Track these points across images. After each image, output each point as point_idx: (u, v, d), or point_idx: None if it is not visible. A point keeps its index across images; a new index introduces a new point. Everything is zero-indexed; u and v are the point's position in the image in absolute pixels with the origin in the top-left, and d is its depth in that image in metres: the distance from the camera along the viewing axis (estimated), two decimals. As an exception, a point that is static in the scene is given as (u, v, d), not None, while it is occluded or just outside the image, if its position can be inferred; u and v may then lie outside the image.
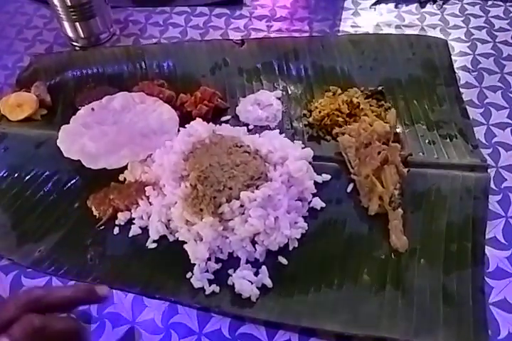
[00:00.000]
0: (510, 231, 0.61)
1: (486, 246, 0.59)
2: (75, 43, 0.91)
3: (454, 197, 0.63)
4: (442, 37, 0.87)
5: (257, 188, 0.60)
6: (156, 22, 0.96)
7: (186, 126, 0.70)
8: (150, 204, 0.64)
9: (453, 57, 0.82)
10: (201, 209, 0.59)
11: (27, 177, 0.70)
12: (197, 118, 0.71)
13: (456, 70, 0.80)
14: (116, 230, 0.64)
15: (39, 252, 0.62)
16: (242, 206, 0.59)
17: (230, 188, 0.60)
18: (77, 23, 0.87)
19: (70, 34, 0.89)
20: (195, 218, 0.59)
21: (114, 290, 0.58)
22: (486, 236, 0.60)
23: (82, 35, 0.89)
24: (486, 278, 0.56)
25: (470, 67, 0.82)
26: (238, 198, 0.59)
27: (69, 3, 0.83)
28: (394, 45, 0.82)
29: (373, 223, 0.62)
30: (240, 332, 0.54)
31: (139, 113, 0.74)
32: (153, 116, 0.73)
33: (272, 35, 0.92)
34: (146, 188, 0.64)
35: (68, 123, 0.74)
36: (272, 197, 0.60)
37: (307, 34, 0.91)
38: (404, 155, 0.66)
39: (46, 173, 0.70)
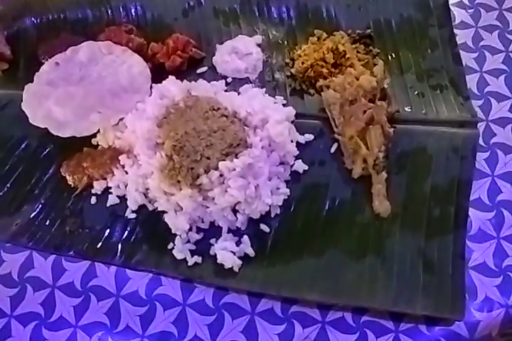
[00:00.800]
0: (496, 192, 0.60)
1: (469, 209, 0.58)
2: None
3: (440, 156, 0.61)
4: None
5: (236, 156, 0.58)
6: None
7: (158, 84, 0.65)
8: (126, 173, 0.61)
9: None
10: (179, 181, 0.57)
11: (-6, 144, 0.66)
12: (170, 76, 0.65)
13: (451, 7, 0.73)
14: (93, 199, 0.62)
15: (16, 226, 0.61)
16: (221, 175, 0.57)
17: (208, 158, 0.57)
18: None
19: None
20: (174, 189, 0.57)
21: (96, 263, 0.58)
22: (470, 198, 0.59)
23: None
24: (467, 242, 0.57)
25: (466, 2, 0.75)
26: (217, 168, 0.57)
27: None
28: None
29: (356, 186, 0.61)
30: (224, 302, 0.56)
31: (107, 66, 0.68)
32: (123, 70, 0.68)
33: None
34: (120, 157, 0.61)
35: (32, 77, 0.68)
36: (253, 165, 0.57)
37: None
38: (391, 112, 0.62)
39: (14, 139, 0.66)
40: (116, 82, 0.67)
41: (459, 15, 0.74)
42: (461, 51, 0.69)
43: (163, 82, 0.65)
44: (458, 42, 0.70)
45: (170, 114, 0.61)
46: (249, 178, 0.57)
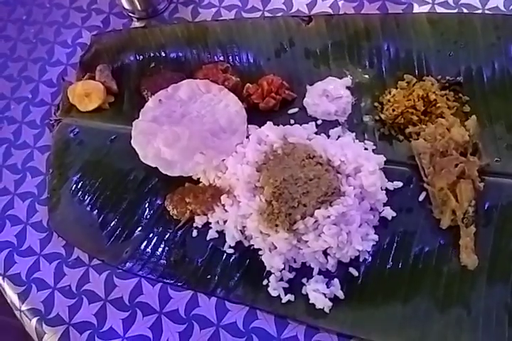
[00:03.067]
0: None
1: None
2: (131, 15, 0.87)
3: (528, 213, 0.63)
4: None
5: (330, 204, 0.62)
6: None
7: (257, 129, 0.69)
8: (225, 211, 0.66)
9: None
10: (276, 225, 0.62)
11: (105, 175, 0.73)
12: (268, 122, 0.70)
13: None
14: (194, 233, 0.68)
15: (126, 253, 0.67)
16: (316, 221, 0.61)
17: (305, 205, 0.61)
18: (134, -4, 0.83)
19: (127, 6, 0.85)
20: (271, 231, 0.62)
21: (198, 293, 0.64)
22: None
23: (139, 8, 0.85)
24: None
25: (560, 49, 0.75)
26: (312, 215, 0.61)
27: (125, -22, 0.78)
28: (477, 27, 0.75)
29: (444, 236, 0.63)
30: (315, 340, 0.60)
31: (205, 104, 0.73)
32: (220, 109, 0.73)
33: (341, 2, 0.85)
34: (221, 197, 0.66)
35: (136, 111, 0.74)
36: (346, 213, 0.61)
37: (380, 2, 0.83)
38: (481, 166, 0.65)
39: (123, 170, 0.73)
40: (215, 121, 0.72)
41: (551, 62, 0.74)
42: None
43: (262, 128, 0.69)
44: (549, 92, 0.71)
45: (269, 161, 0.65)
46: (341, 225, 0.61)
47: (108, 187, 0.72)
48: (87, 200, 0.72)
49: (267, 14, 0.85)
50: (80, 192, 0.72)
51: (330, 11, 0.84)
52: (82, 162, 0.75)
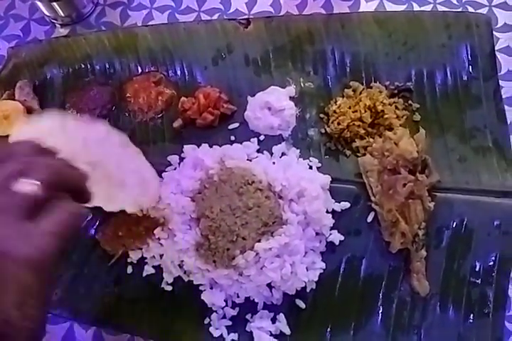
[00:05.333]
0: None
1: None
2: (54, 21, 0.79)
3: (481, 231, 0.59)
4: (485, 1, 0.74)
5: (272, 235, 0.57)
6: (143, -18, 0.81)
7: (191, 152, 0.64)
8: (161, 244, 0.61)
9: (496, 34, 0.70)
10: (214, 261, 0.57)
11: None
12: (202, 145, 0.64)
13: (497, 53, 0.69)
14: (129, 269, 0.62)
15: (55, 295, 0.62)
16: (257, 254, 0.57)
17: (244, 238, 0.56)
18: (54, 3, 0.74)
19: (48, 13, 0.77)
20: (209, 266, 0.58)
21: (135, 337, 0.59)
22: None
23: (62, 14, 0.77)
24: (506, 323, 0.56)
25: (513, 47, 0.70)
26: (252, 248, 0.56)
27: (39, -17, 0.70)
28: (427, 26, 0.69)
29: (394, 260, 0.60)
30: (262, 381, 0.57)
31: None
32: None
33: (282, 1, 0.78)
34: (155, 231, 0.60)
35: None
36: (289, 244, 0.57)
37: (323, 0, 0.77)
38: (431, 183, 0.60)
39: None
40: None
41: (505, 63, 0.69)
42: (506, 107, 0.66)
43: (197, 151, 0.63)
44: (503, 97, 0.66)
45: (204, 189, 0.60)
46: (285, 256, 0.57)
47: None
48: None
49: (203, 15, 0.78)
50: None
51: (271, 9, 0.78)
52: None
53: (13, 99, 0.71)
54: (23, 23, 0.80)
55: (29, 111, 0.71)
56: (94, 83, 0.72)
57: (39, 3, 0.74)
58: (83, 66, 0.73)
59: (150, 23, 0.78)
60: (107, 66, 0.73)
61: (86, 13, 0.79)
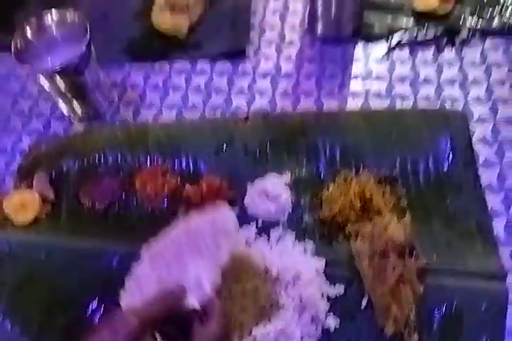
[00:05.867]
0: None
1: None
2: (72, 118, 0.88)
3: (470, 316, 0.61)
4: (460, 96, 0.82)
5: (269, 320, 0.59)
6: (155, 84, 0.91)
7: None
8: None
9: (472, 126, 0.77)
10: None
11: (39, 294, 0.70)
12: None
13: (474, 144, 0.75)
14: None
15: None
16: (254, 339, 0.59)
17: (241, 323, 0.59)
18: (74, 101, 0.83)
19: (67, 113, 0.86)
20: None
21: None
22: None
23: (80, 112, 0.86)
24: None
25: (490, 138, 0.77)
26: (250, 333, 0.58)
27: (62, 87, 0.79)
28: (408, 121, 0.77)
29: (389, 345, 0.61)
30: None
31: None
32: None
33: (278, 98, 0.87)
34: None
35: (73, 221, 0.73)
36: (285, 329, 0.59)
37: (315, 97, 0.86)
38: (419, 267, 0.64)
39: (60, 288, 0.70)
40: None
41: (483, 152, 0.75)
42: (486, 193, 0.71)
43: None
44: (483, 184, 0.72)
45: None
46: (281, 341, 0.59)
47: (42, 310, 0.68)
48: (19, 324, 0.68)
49: (207, 111, 0.87)
50: (10, 316, 0.68)
51: (268, 106, 0.86)
52: (14, 280, 0.71)
53: (31, 189, 0.77)
54: (44, 120, 0.89)
55: (44, 200, 0.77)
56: (106, 174, 0.79)
57: (60, 102, 0.83)
58: (97, 158, 0.80)
59: (160, 119, 0.86)
60: (119, 158, 0.80)
61: (101, 112, 0.87)
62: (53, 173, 0.80)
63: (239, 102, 0.87)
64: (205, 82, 0.90)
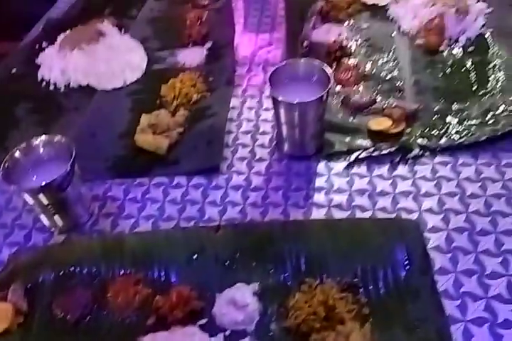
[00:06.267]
0: None
1: None
2: (53, 229, 0.92)
3: None
4: (414, 207, 0.89)
5: None
6: (134, 197, 0.98)
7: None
8: None
9: (426, 234, 0.83)
10: None
11: None
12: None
13: (430, 252, 0.80)
14: None
15: None
16: None
17: None
18: (55, 215, 0.89)
19: (48, 224, 0.91)
20: None
21: None
22: None
23: (61, 225, 0.91)
24: None
25: (444, 246, 0.82)
26: None
27: (45, 202, 0.85)
28: (368, 230, 0.83)
29: None
30: None
31: None
32: None
33: (248, 208, 0.94)
34: None
35: (44, 332, 0.74)
36: None
37: (282, 208, 0.92)
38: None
39: None
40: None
41: (438, 260, 0.80)
42: (443, 299, 0.74)
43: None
44: (439, 290, 0.75)
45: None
46: None
47: None
48: None
49: (182, 222, 0.93)
50: None
51: (239, 216, 0.92)
52: None
53: (5, 301, 0.79)
54: (26, 232, 0.94)
55: (17, 311, 0.78)
56: (80, 284, 0.81)
57: (42, 216, 0.88)
58: (73, 269, 0.84)
59: (136, 230, 0.92)
60: (94, 269, 0.83)
61: (82, 223, 0.93)
62: (29, 285, 0.82)
63: (212, 213, 0.93)
64: (181, 194, 0.97)
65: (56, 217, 0.89)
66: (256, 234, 0.86)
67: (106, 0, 1.59)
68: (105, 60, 1.23)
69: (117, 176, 1.02)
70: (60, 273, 0.83)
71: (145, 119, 1.08)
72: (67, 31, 1.35)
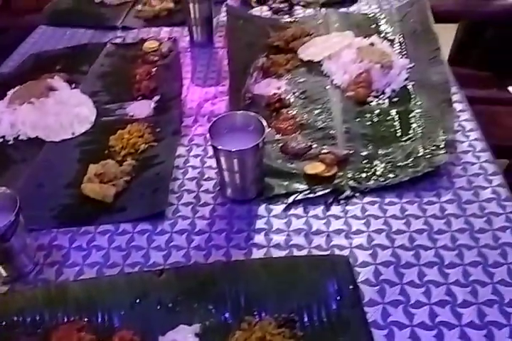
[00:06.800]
0: None
1: None
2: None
3: None
4: (346, 244, 0.96)
5: None
6: (79, 245, 1.00)
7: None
8: None
9: (357, 269, 0.90)
10: None
11: None
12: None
13: (359, 285, 0.86)
14: None
15: None
16: None
17: None
18: (-1, 265, 0.90)
19: (-7, 271, 0.92)
20: None
21: None
22: None
23: (4, 275, 0.92)
24: None
25: (373, 279, 0.88)
26: None
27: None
28: (303, 267, 0.89)
29: None
30: None
31: None
32: None
33: (192, 252, 0.98)
34: None
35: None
36: None
37: (224, 250, 0.97)
38: None
39: None
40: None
41: (367, 292, 0.86)
42: (372, 329, 0.80)
43: None
44: (369, 321, 0.81)
45: None
46: None
47: None
48: None
49: (126, 268, 0.95)
50: None
51: (183, 260, 0.96)
52: None
53: None
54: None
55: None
56: (23, 334, 0.82)
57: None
58: (16, 319, 0.84)
59: (80, 277, 0.93)
60: (37, 318, 0.84)
61: (26, 273, 0.94)
62: (-32, 336, 0.82)
63: (156, 258, 0.97)
64: (127, 241, 1.01)
65: (0, 268, 0.90)
66: (198, 276, 0.89)
67: (58, 56, 1.66)
68: (54, 113, 1.28)
69: (63, 225, 1.04)
70: (3, 324, 0.83)
71: (92, 169, 1.12)
72: (18, 87, 1.39)
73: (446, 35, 2.48)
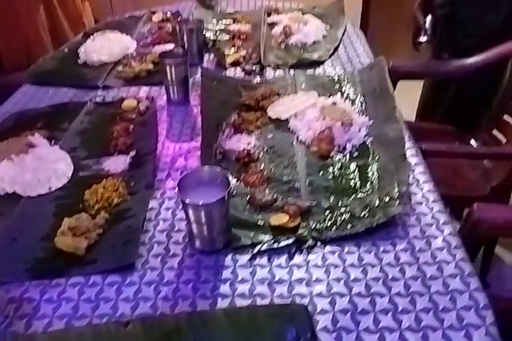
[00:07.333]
0: None
1: None
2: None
3: None
4: (307, 293, 1.00)
5: None
6: (50, 298, 1.03)
7: None
8: None
9: (316, 317, 0.94)
10: None
11: None
12: None
13: (318, 333, 0.91)
14: None
15: None
16: None
17: None
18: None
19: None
20: None
21: None
22: None
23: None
24: None
25: (330, 327, 0.93)
26: None
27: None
28: (262, 317, 0.93)
29: None
30: None
31: None
32: None
33: (159, 303, 1.01)
34: None
35: None
36: None
37: (191, 300, 1.01)
38: None
39: None
40: None
41: (325, 339, 0.90)
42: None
43: None
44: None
45: None
46: None
47: None
48: None
49: (95, 319, 0.98)
50: None
51: (150, 310, 0.99)
52: None
53: None
54: None
55: None
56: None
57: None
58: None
59: (49, 330, 0.96)
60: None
61: (-4, 325, 0.96)
62: None
63: (124, 309, 1.00)
64: (96, 292, 1.04)
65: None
66: (163, 326, 0.93)
67: (39, 114, 1.74)
68: (32, 169, 1.34)
69: (35, 278, 1.07)
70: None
71: (66, 222, 1.17)
72: (-1, 144, 1.46)
73: (417, 91, 2.66)
